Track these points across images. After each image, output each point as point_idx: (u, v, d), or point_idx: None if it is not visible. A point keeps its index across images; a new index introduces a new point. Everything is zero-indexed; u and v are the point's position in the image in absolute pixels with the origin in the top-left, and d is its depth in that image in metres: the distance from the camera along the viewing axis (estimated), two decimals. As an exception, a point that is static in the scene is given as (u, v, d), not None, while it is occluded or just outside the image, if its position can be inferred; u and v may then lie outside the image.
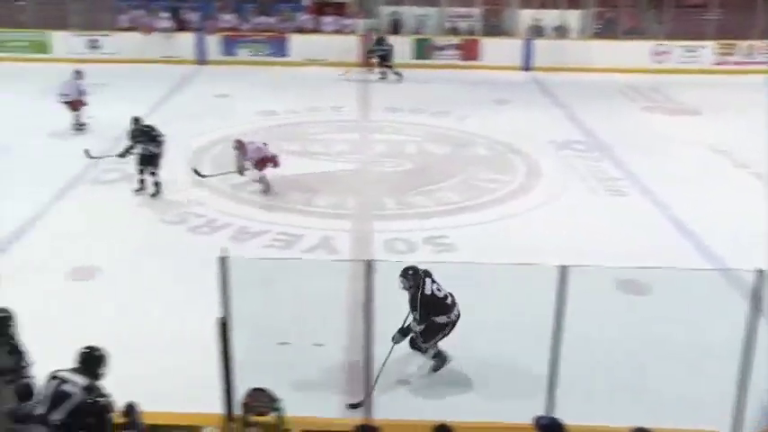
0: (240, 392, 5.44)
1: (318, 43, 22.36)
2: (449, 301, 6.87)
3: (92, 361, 5.16)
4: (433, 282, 6.84)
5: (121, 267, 9.25)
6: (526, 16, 23.22)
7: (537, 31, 22.97)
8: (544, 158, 13.87)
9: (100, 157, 11.94)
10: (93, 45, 22.40)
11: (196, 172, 12.05)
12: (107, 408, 5.03)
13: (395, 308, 6.71)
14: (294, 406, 5.39)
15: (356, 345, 6.18)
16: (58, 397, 4.94)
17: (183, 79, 20.02)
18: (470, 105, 17.72)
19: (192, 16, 22.95)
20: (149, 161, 11.49)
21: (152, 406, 5.45)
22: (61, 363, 5.32)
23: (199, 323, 6.40)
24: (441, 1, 23.41)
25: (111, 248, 9.80)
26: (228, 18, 23.13)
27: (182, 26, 22.72)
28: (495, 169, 13.31)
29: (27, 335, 5.89)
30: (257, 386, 5.36)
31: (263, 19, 23.14)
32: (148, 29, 22.40)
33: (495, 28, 23.32)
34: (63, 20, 22.66)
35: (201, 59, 22.13)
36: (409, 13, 23.37)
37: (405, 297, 6.81)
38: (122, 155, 11.73)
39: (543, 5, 23.28)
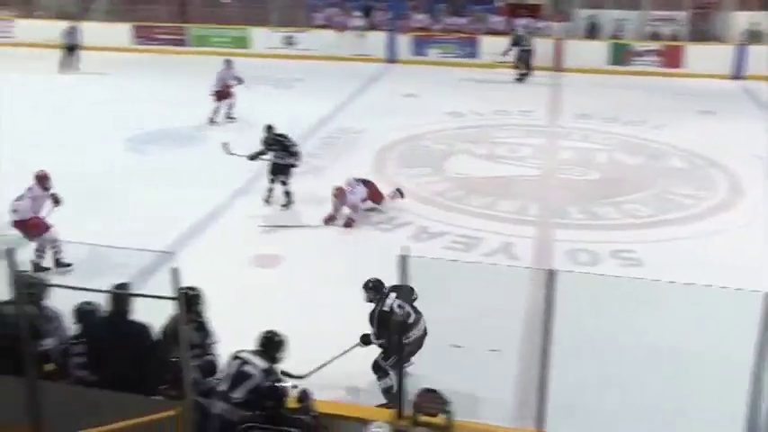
0: (411, 391, 5.34)
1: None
2: (410, 320, 6.31)
3: (272, 345, 5.27)
4: (397, 299, 6.33)
5: (303, 257, 9.47)
6: (741, 20, 21.60)
7: (753, 36, 21.26)
8: (750, 175, 12.79)
9: (237, 154, 11.49)
10: (289, 41, 23.28)
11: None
12: (283, 392, 5.11)
13: (575, 320, 6.36)
14: (463, 410, 5.23)
15: (532, 355, 5.92)
16: (239, 377, 5.08)
17: (372, 77, 20.36)
18: (668, 115, 16.74)
19: (384, 15, 23.30)
20: (280, 170, 11.21)
21: (324, 395, 5.47)
22: (242, 344, 5.47)
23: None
24: (643, 4, 22.40)
25: (295, 238, 10.08)
26: (420, 18, 23.31)
27: (373, 25, 23.14)
28: (691, 183, 12.46)
29: (212, 314, 6.12)
30: (429, 387, 5.25)
31: (454, 20, 23.13)
32: (342, 27, 22.99)
33: (702, 33, 21.97)
34: (263, 17, 23.77)
35: (391, 58, 22.42)
36: (608, 16, 22.48)
37: (586, 309, 6.48)
38: (252, 158, 11.36)
39: (764, 7, 21.58)
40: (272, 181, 11.27)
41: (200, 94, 16.10)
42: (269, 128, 11.45)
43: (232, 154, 11.45)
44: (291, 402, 5.19)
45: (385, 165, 13.07)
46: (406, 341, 6.12)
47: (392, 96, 18.29)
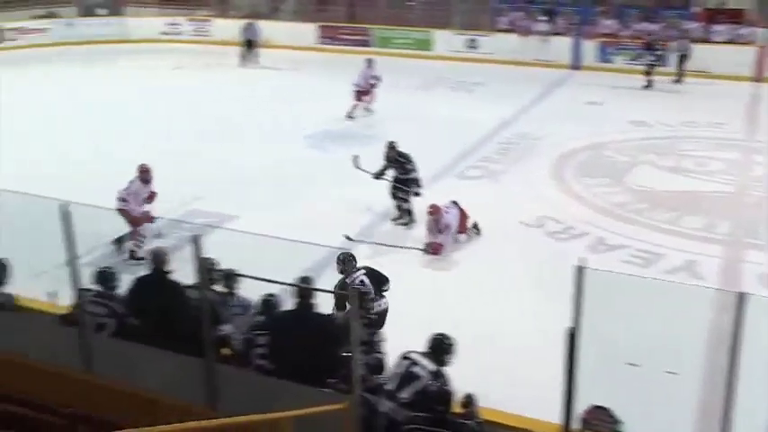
0: (580, 407, 5.13)
1: (707, 54, 20.31)
2: (369, 296, 6.62)
3: (441, 348, 5.24)
4: (363, 278, 6.73)
5: (477, 262, 9.40)
6: None
7: None
8: None
9: (363, 169, 10.92)
10: (472, 45, 23.23)
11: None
12: (450, 395, 5.06)
13: (764, 348, 5.90)
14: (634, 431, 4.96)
15: (714, 382, 5.54)
16: (407, 377, 5.08)
17: (554, 83, 19.93)
18: None
19: (570, 20, 22.71)
20: (397, 189, 10.68)
21: (489, 402, 5.37)
22: (411, 345, 5.47)
23: (546, 329, 6.18)
24: None
25: (470, 243, 10.02)
26: (608, 23, 22.54)
27: (559, 30, 22.63)
28: None
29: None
30: (599, 404, 5.02)
31: (644, 25, 22.16)
32: (525, 31, 22.66)
33: None
34: (446, 19, 23.88)
35: (576, 64, 21.83)
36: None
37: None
38: (377, 176, 10.79)
39: None
40: (394, 198, 10.76)
41: (378, 94, 16.42)
42: (391, 145, 10.86)
43: (359, 168, 10.95)
44: (457, 407, 5.14)
45: (563, 173, 12.74)
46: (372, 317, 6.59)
47: (574, 103, 17.80)
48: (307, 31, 24.73)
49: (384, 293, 6.93)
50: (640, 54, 19.71)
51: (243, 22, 23.23)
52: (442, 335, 5.33)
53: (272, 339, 5.44)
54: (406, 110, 16.71)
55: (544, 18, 22.75)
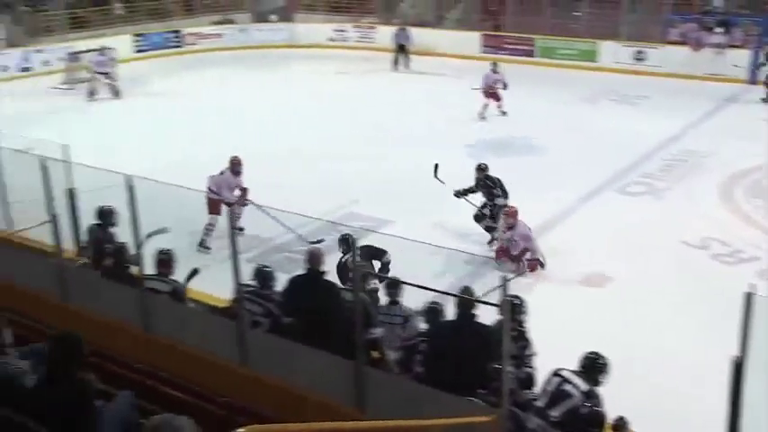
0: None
1: None
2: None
3: (595, 368, 5.09)
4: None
5: (634, 282, 9.04)
6: None
7: None
8: None
9: (440, 180, 10.45)
10: (639, 57, 22.43)
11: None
12: (602, 417, 4.91)
13: None
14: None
15: None
16: (558, 395, 4.97)
17: (728, 99, 18.87)
18: None
19: (749, 32, 21.45)
20: (483, 214, 10.17)
21: (642, 428, 5.15)
22: (561, 362, 5.34)
23: (707, 356, 5.89)
24: None
25: (627, 261, 9.64)
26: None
27: (735, 42, 21.44)
28: None
29: (533, 327, 6.06)
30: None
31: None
32: (698, 44, 21.63)
33: None
34: (614, 30, 23.19)
35: (753, 79, 20.60)
36: None
37: None
38: (458, 194, 10.34)
39: None
40: (477, 222, 10.21)
41: (539, 105, 16.19)
42: (480, 168, 10.33)
43: (437, 179, 10.51)
44: (608, 428, 4.98)
45: (733, 193, 12.05)
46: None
47: (750, 120, 16.72)
48: (470, 40, 24.71)
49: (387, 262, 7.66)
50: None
51: (395, 27, 23.84)
52: (595, 353, 5.17)
53: (431, 347, 5.47)
54: (567, 121, 16.42)
55: (719, 29, 21.63)
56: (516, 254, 9.30)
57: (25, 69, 22.32)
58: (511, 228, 9.30)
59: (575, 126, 15.96)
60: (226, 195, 9.94)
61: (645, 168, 13.30)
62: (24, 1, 23.78)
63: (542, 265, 9.38)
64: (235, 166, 10.11)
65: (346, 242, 7.45)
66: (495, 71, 16.95)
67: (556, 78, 21.19)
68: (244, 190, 10.19)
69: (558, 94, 18.84)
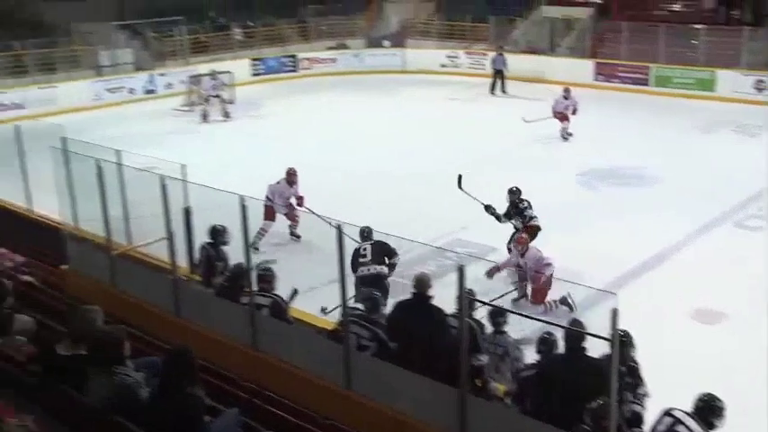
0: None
1: None
2: (364, 259, 8.34)
3: (711, 410, 4.86)
4: (364, 249, 8.41)
5: (749, 318, 8.63)
6: None
7: None
8: None
9: (466, 192, 10.27)
10: (759, 86, 21.54)
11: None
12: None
13: None
14: None
15: None
16: (669, 435, 4.77)
17: None
18: None
19: None
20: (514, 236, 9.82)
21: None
22: (669, 399, 5.13)
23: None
24: None
25: (742, 296, 9.22)
26: None
27: None
28: None
29: (645, 364, 5.86)
30: None
31: None
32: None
33: None
34: (734, 59, 22.35)
35: None
36: None
37: None
38: (488, 209, 10.14)
39: None
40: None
41: (653, 134, 15.73)
42: (511, 191, 10.07)
43: (462, 189, 10.34)
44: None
45: None
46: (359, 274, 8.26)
47: None
48: (584, 67, 24.37)
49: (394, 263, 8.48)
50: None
51: (493, 53, 24.26)
52: (711, 395, 4.93)
53: (541, 380, 5.37)
54: (682, 151, 15.98)
55: None
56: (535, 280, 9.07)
57: (150, 92, 23.55)
58: (523, 255, 9.16)
59: (690, 156, 15.47)
60: (277, 203, 10.74)
61: (764, 202, 12.74)
62: (153, 28, 24.95)
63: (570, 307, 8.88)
64: (290, 177, 10.85)
65: (362, 234, 8.48)
66: (566, 97, 17.02)
67: (671, 107, 20.61)
68: (300, 198, 10.85)
69: (672, 123, 18.32)
